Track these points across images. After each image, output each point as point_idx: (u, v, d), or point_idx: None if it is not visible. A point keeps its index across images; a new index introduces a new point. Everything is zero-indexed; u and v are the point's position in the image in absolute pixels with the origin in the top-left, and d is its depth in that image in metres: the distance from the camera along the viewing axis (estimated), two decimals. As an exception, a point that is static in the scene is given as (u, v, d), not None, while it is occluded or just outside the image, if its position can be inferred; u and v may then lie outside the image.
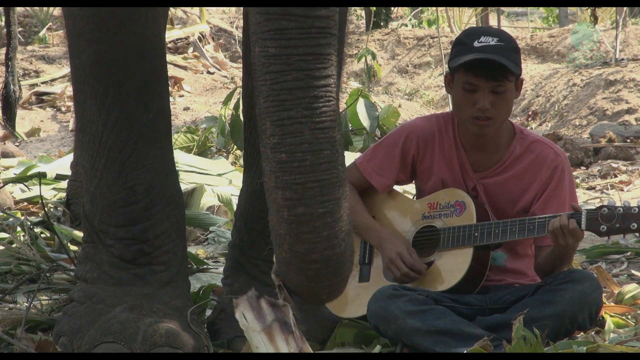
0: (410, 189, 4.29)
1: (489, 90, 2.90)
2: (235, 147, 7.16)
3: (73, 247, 4.13)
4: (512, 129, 3.06)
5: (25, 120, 9.45)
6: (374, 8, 13.19)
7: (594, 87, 9.88)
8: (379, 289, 2.93)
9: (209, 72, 11.26)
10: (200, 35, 11.78)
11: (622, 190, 6.49)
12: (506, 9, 17.49)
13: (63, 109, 9.82)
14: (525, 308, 2.78)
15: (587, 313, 2.87)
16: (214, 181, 5.71)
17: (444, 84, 3.12)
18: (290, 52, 2.24)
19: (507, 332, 2.68)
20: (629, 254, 4.29)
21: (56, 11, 12.22)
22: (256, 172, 3.23)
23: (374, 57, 11.01)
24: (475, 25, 10.32)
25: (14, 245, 3.91)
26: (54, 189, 5.52)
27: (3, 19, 5.00)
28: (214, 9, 14.40)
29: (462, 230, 2.97)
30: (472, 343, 2.71)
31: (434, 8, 13.96)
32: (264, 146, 2.32)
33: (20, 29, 12.31)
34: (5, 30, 4.97)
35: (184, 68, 11.13)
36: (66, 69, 10.22)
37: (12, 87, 4.97)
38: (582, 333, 2.96)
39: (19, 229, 4.16)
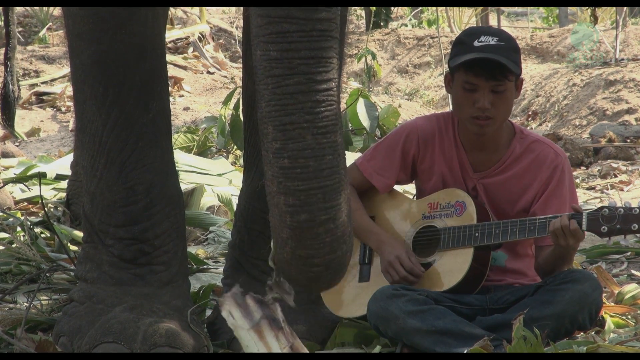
0: (410, 189, 4.29)
1: (489, 89, 2.90)
2: (235, 147, 7.16)
3: (73, 247, 4.13)
4: (512, 128, 3.06)
5: (25, 120, 9.45)
6: (374, 8, 13.19)
7: (594, 87, 9.88)
8: (379, 289, 2.93)
9: (209, 72, 11.26)
10: (200, 35, 11.79)
11: (622, 190, 6.49)
12: (506, 9, 17.50)
13: (63, 109, 9.82)
14: (525, 308, 2.78)
15: (587, 313, 2.87)
16: (214, 181, 5.71)
17: (444, 84, 3.12)
18: (292, 56, 2.23)
19: (507, 332, 2.68)
20: (629, 254, 4.29)
21: (56, 11, 12.22)
22: (256, 172, 3.23)
23: (374, 57, 11.01)
24: (475, 25, 10.31)
25: (14, 245, 3.91)
26: (54, 189, 5.52)
27: (2, 18, 4.98)
28: (214, 9, 14.40)
29: (463, 231, 2.97)
30: (472, 343, 2.71)
31: (434, 8, 13.97)
32: (266, 150, 2.31)
33: (20, 29, 12.32)
34: (4, 30, 4.96)
35: (184, 68, 11.13)
36: (66, 69, 10.22)
37: (11, 87, 4.96)
38: (582, 333, 2.96)
39: (19, 229, 4.16)
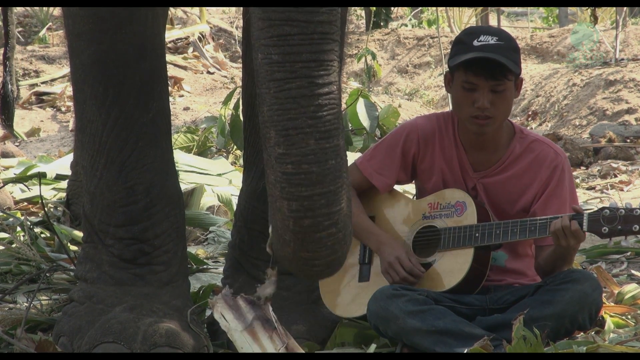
0: (410, 188, 4.29)
1: (489, 89, 2.90)
2: (235, 147, 7.16)
3: (73, 247, 4.13)
4: (512, 128, 3.06)
5: (25, 120, 9.45)
6: (374, 8, 13.18)
7: (594, 87, 9.88)
8: (379, 289, 2.93)
9: (209, 72, 11.26)
10: (200, 35, 11.78)
11: (622, 190, 6.48)
12: (506, 9, 17.49)
13: (63, 109, 9.82)
14: (525, 308, 2.78)
15: (587, 313, 2.87)
16: (214, 181, 5.71)
17: (443, 84, 3.12)
18: (294, 59, 2.23)
19: (507, 332, 2.68)
20: (629, 254, 4.29)
21: (56, 11, 12.22)
22: (256, 172, 3.23)
23: (374, 57, 11.00)
24: (474, 25, 10.29)
25: (14, 245, 3.91)
26: (54, 189, 5.52)
27: (1, 18, 4.97)
28: (214, 9, 14.40)
29: (463, 231, 2.96)
30: (472, 343, 2.71)
31: (434, 8, 13.96)
32: (268, 155, 2.31)
33: (20, 29, 12.31)
34: (3, 30, 4.95)
35: (184, 68, 11.13)
36: (66, 69, 10.22)
37: (10, 86, 4.96)
38: (582, 333, 2.96)
39: (19, 229, 4.17)
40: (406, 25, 14.83)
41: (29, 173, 5.79)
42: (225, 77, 11.26)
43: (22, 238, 3.96)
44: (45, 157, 6.78)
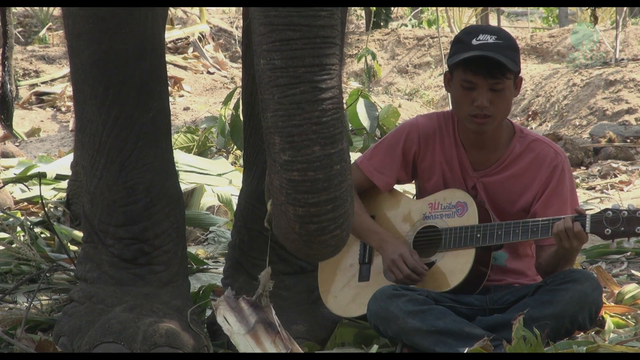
0: (410, 189, 4.29)
1: (488, 88, 2.90)
2: (235, 147, 7.16)
3: (73, 247, 4.14)
4: (511, 128, 3.06)
5: (25, 120, 9.45)
6: (374, 8, 13.18)
7: (594, 87, 9.88)
8: (379, 289, 2.93)
9: (209, 72, 11.26)
10: (200, 35, 11.78)
11: (622, 190, 6.48)
12: (506, 9, 17.50)
13: (63, 109, 9.82)
14: (525, 308, 2.78)
15: (587, 313, 2.86)
16: (214, 181, 5.71)
17: (443, 84, 3.12)
18: (297, 64, 2.23)
19: (507, 332, 2.68)
20: (629, 254, 4.29)
21: (56, 11, 12.22)
22: (256, 172, 3.23)
23: (374, 57, 11.00)
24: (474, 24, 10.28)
25: (14, 245, 3.91)
26: (54, 189, 5.52)
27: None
28: (214, 9, 14.40)
29: (465, 231, 2.96)
30: (472, 343, 2.71)
31: (434, 8, 13.96)
32: (273, 160, 2.30)
33: (20, 29, 12.31)
34: (1, 30, 4.94)
35: (184, 68, 11.13)
36: (66, 69, 10.22)
37: (9, 86, 4.96)
38: (582, 333, 2.96)
39: (19, 229, 4.17)
40: (406, 25, 14.83)
41: (29, 173, 5.79)
42: (225, 77, 11.26)
43: (22, 238, 3.96)
44: (45, 157, 6.78)
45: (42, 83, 10.39)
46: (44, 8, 12.45)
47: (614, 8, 11.50)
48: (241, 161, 6.38)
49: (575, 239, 2.82)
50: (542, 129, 9.75)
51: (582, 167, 7.55)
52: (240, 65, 3.74)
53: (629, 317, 3.22)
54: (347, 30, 3.18)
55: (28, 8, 12.66)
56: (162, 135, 2.99)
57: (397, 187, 3.21)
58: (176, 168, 3.15)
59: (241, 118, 4.35)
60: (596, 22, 8.82)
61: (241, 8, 3.63)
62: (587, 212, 2.88)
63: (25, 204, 5.33)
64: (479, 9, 13.79)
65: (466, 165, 3.06)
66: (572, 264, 2.99)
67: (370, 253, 3.11)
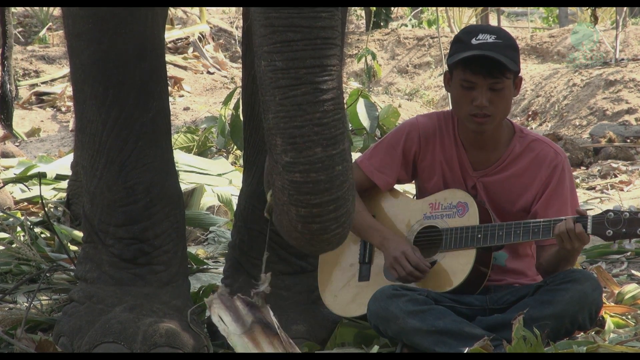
0: (410, 188, 4.28)
1: (487, 87, 2.90)
2: (235, 147, 7.16)
3: (73, 247, 4.14)
4: (511, 127, 3.06)
5: (25, 120, 9.45)
6: (374, 8, 13.18)
7: (594, 87, 9.88)
8: (379, 289, 2.92)
9: (209, 72, 11.26)
10: (200, 35, 11.78)
11: (622, 190, 6.48)
12: (506, 9, 17.50)
13: (63, 109, 9.82)
14: (525, 308, 2.78)
15: (587, 313, 2.86)
16: (214, 181, 5.71)
17: (443, 84, 3.12)
18: (298, 65, 2.23)
19: (507, 332, 2.68)
20: (629, 254, 4.29)
21: (56, 11, 12.21)
22: (256, 172, 3.23)
23: (374, 57, 11.00)
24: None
25: (14, 245, 3.91)
26: (54, 189, 5.52)
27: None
28: (214, 9, 14.40)
29: (465, 232, 2.96)
30: (472, 343, 2.71)
31: (434, 8, 13.96)
32: (275, 161, 2.31)
33: (20, 29, 12.31)
34: (1, 29, 4.94)
35: (184, 68, 11.13)
36: (66, 69, 10.22)
37: (8, 86, 4.96)
38: (582, 333, 2.96)
39: (19, 229, 4.17)
40: (406, 25, 14.83)
41: (29, 173, 5.80)
42: (225, 77, 11.26)
43: (22, 238, 3.96)
44: (45, 157, 6.78)
45: (42, 83, 10.39)
46: (44, 8, 12.45)
47: (614, 8, 11.50)
48: (241, 161, 6.38)
49: (577, 240, 2.82)
50: (542, 129, 9.75)
51: (582, 167, 7.55)
52: (240, 65, 3.74)
53: (629, 317, 3.22)
54: (347, 30, 3.18)
55: (28, 8, 12.66)
56: (162, 135, 2.99)
57: (397, 187, 3.21)
58: (176, 168, 3.15)
59: (241, 118, 4.35)
60: (596, 22, 8.82)
61: (241, 8, 3.63)
62: (587, 212, 2.88)
63: (25, 204, 5.33)
64: (479, 9, 13.79)
65: (466, 165, 3.06)
66: (573, 264, 2.99)
67: (371, 253, 3.10)
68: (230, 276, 3.28)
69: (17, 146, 8.37)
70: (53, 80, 10.44)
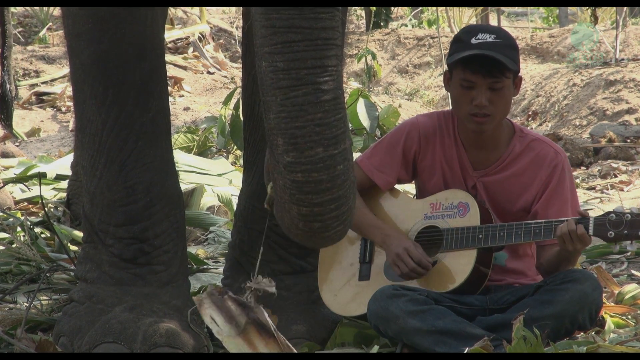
0: (410, 188, 4.28)
1: (487, 87, 2.90)
2: (235, 147, 7.16)
3: (73, 247, 4.14)
4: (511, 127, 3.06)
5: (25, 120, 9.45)
6: (374, 8, 13.18)
7: (594, 87, 9.88)
8: (380, 289, 2.92)
9: (209, 72, 11.26)
10: (200, 35, 11.78)
11: (622, 190, 6.48)
12: (506, 9, 17.49)
13: (63, 109, 9.82)
14: (525, 308, 2.78)
15: (587, 313, 2.86)
16: (214, 181, 5.71)
17: (443, 84, 3.12)
18: (299, 66, 2.24)
19: (507, 332, 2.68)
20: (629, 254, 4.29)
21: (56, 11, 12.21)
22: (256, 172, 3.23)
23: (374, 57, 11.00)
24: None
25: (14, 245, 3.91)
26: (54, 189, 5.52)
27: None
28: (214, 9, 14.40)
29: (466, 232, 2.96)
30: (472, 343, 2.71)
31: (434, 8, 13.96)
32: (276, 160, 2.32)
33: (20, 29, 12.31)
34: (0, 29, 4.94)
35: (184, 68, 11.13)
36: (66, 69, 10.21)
37: (8, 86, 4.97)
38: (582, 333, 2.96)
39: (19, 229, 4.17)
40: (406, 25, 14.83)
41: (29, 173, 5.80)
42: (225, 77, 11.26)
43: (22, 238, 3.96)
44: (45, 157, 6.78)
45: (42, 83, 10.39)
46: (44, 8, 12.45)
47: (614, 8, 11.50)
48: (241, 161, 6.38)
49: (579, 241, 2.82)
50: (542, 129, 9.75)
51: (582, 167, 7.54)
52: (240, 65, 3.74)
53: (629, 317, 3.22)
54: (347, 30, 3.18)
55: (28, 8, 12.66)
56: (162, 135, 2.99)
57: (397, 187, 3.21)
58: (176, 168, 3.15)
59: (241, 118, 4.35)
60: (596, 22, 8.83)
61: (241, 8, 3.63)
62: (588, 212, 2.88)
63: (25, 204, 5.33)
64: (479, 9, 13.78)
65: (466, 164, 3.06)
66: (574, 264, 2.99)
67: (371, 252, 3.10)
68: (230, 276, 3.28)
69: (17, 146, 8.37)
70: (53, 80, 10.44)
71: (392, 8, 14.88)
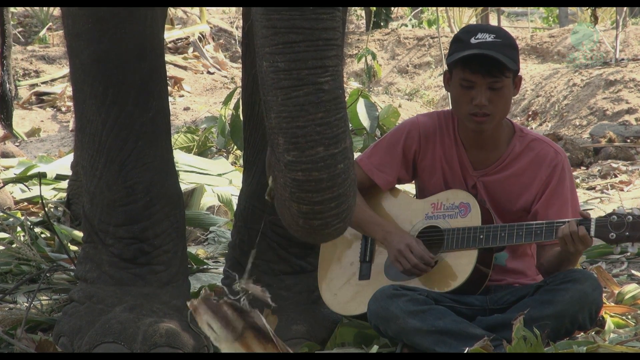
0: (410, 188, 4.28)
1: (486, 86, 2.90)
2: (235, 147, 7.16)
3: (73, 247, 4.14)
4: (511, 127, 3.06)
5: (25, 120, 9.45)
6: (374, 8, 13.18)
7: (594, 87, 9.88)
8: (380, 289, 2.92)
9: (209, 72, 11.26)
10: (200, 35, 11.78)
11: (622, 190, 6.47)
12: (506, 9, 17.49)
13: (63, 109, 9.82)
14: (526, 308, 2.78)
15: (587, 313, 2.86)
16: (214, 181, 5.71)
17: (443, 84, 3.12)
18: (300, 66, 2.24)
19: (507, 332, 2.68)
20: (629, 254, 4.28)
21: (56, 11, 12.20)
22: (256, 172, 3.24)
23: (374, 57, 11.00)
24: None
25: (14, 245, 3.91)
26: (54, 189, 5.52)
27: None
28: (214, 9, 14.39)
29: (468, 232, 2.96)
30: (472, 343, 2.71)
31: (434, 8, 13.96)
32: (277, 159, 2.32)
33: (20, 29, 12.31)
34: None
35: (184, 68, 11.13)
36: (66, 69, 10.21)
37: (7, 86, 4.97)
38: (582, 333, 2.96)
39: (19, 229, 4.17)
40: (406, 25, 14.83)
41: (29, 173, 5.79)
42: (225, 77, 11.26)
43: (22, 238, 3.96)
44: (45, 157, 6.78)
45: (42, 83, 10.38)
46: (44, 8, 12.45)
47: (614, 8, 11.50)
48: (241, 161, 6.38)
49: (580, 242, 2.82)
50: (542, 129, 9.75)
51: (582, 167, 7.54)
52: (240, 65, 3.74)
53: (629, 317, 3.22)
54: (347, 30, 3.18)
55: (28, 8, 12.65)
56: (162, 135, 2.99)
57: (397, 186, 3.21)
58: (176, 168, 3.15)
59: (241, 118, 4.35)
60: (596, 22, 8.82)
61: (241, 8, 3.64)
62: (589, 212, 2.88)
63: (25, 204, 5.33)
64: (479, 9, 13.78)
65: (466, 164, 3.06)
66: (574, 264, 3.00)
67: (371, 251, 3.10)
68: (230, 276, 3.28)
69: (17, 146, 8.37)
70: (53, 80, 10.44)
71: (392, 8, 14.88)
